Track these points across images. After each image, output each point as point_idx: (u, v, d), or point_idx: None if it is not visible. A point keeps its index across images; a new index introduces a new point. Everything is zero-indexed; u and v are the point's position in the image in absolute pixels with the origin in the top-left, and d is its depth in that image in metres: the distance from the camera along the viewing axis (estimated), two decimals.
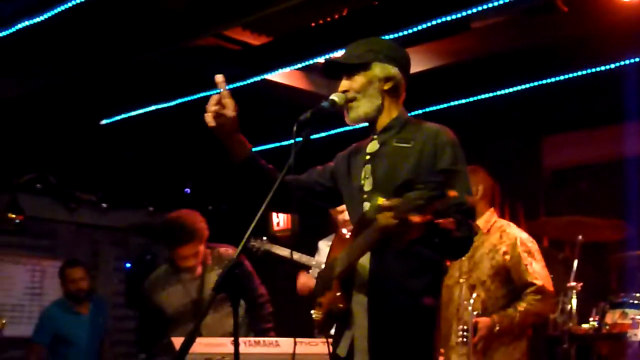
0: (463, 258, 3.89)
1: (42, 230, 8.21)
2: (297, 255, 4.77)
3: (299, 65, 5.70)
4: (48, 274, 8.10)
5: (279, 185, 2.64)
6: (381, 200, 2.35)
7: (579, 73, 5.68)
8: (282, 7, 4.69)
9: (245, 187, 2.91)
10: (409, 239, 2.40)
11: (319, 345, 3.59)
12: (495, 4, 4.55)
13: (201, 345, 3.60)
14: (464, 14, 4.73)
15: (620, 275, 5.56)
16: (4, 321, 5.67)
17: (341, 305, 2.72)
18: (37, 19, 4.92)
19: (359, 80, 2.82)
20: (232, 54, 5.70)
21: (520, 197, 6.60)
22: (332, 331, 2.87)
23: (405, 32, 4.98)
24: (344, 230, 3.32)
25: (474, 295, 4.15)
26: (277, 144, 7.13)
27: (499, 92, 6.13)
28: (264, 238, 4.85)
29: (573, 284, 4.58)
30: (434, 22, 4.84)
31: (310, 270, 4.77)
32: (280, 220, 8.42)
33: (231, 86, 5.91)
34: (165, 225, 4.49)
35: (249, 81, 5.85)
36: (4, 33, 5.11)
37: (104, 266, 8.64)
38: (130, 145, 7.67)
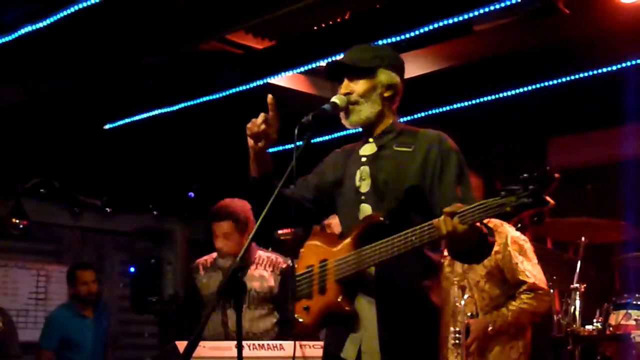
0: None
1: (47, 235, 8.22)
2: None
3: (302, 69, 5.71)
4: (53, 279, 8.11)
5: (280, 199, 2.67)
6: (455, 207, 2.43)
7: (581, 75, 5.69)
8: (286, 11, 4.70)
9: (256, 202, 2.92)
10: (470, 245, 2.50)
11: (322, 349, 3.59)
12: (497, 6, 4.55)
13: (205, 349, 3.61)
14: (466, 16, 4.73)
15: (624, 277, 5.56)
16: (0, 324, 5.67)
17: (347, 309, 2.70)
18: (41, 24, 4.94)
19: (363, 84, 2.84)
20: (235, 58, 5.71)
21: None
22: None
23: (408, 35, 4.99)
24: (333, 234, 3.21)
25: (466, 296, 4.15)
26: (280, 148, 7.13)
27: (502, 95, 6.14)
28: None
29: (577, 285, 4.58)
30: (436, 25, 4.85)
31: None
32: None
33: (234, 90, 6.01)
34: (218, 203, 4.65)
35: (252, 85, 5.87)
36: (8, 38, 5.13)
37: (108, 270, 8.64)
38: (135, 149, 7.68)
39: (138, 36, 5.30)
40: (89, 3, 4.65)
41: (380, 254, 2.61)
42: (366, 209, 2.79)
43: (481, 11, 4.64)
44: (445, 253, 2.94)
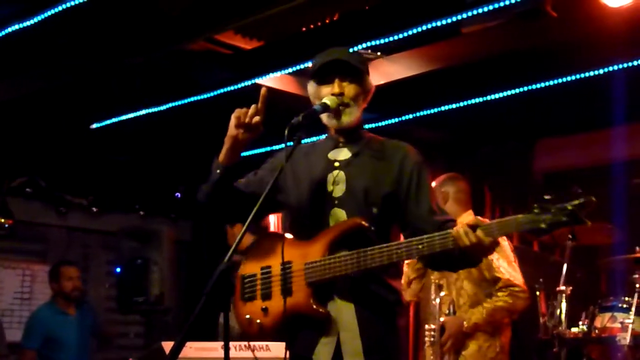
0: None
1: (33, 234, 8.17)
2: None
3: (290, 70, 5.71)
4: (38, 279, 8.06)
5: (232, 193, 2.82)
6: (475, 219, 2.59)
7: (569, 78, 5.71)
8: (274, 12, 4.69)
9: (215, 190, 2.91)
10: (487, 255, 2.71)
11: None
12: (486, 9, 4.57)
13: (192, 349, 3.60)
14: (454, 19, 4.75)
15: (610, 279, 5.59)
16: None
17: (322, 311, 2.69)
18: (28, 23, 4.91)
19: (354, 87, 2.86)
20: (223, 58, 5.70)
21: (512, 201, 6.62)
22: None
23: (397, 37, 5.00)
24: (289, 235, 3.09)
25: (442, 294, 4.16)
26: (268, 148, 7.13)
27: (490, 97, 6.15)
28: None
29: (563, 287, 4.60)
30: (425, 27, 4.86)
31: None
32: (273, 223, 8.39)
33: (222, 90, 5.99)
34: None
35: (240, 85, 5.86)
36: None
37: (94, 270, 8.60)
38: (121, 149, 7.65)
39: (126, 36, 5.28)
40: (76, 2, 4.63)
41: (373, 260, 2.62)
42: (339, 214, 2.78)
43: (470, 14, 4.65)
44: None
